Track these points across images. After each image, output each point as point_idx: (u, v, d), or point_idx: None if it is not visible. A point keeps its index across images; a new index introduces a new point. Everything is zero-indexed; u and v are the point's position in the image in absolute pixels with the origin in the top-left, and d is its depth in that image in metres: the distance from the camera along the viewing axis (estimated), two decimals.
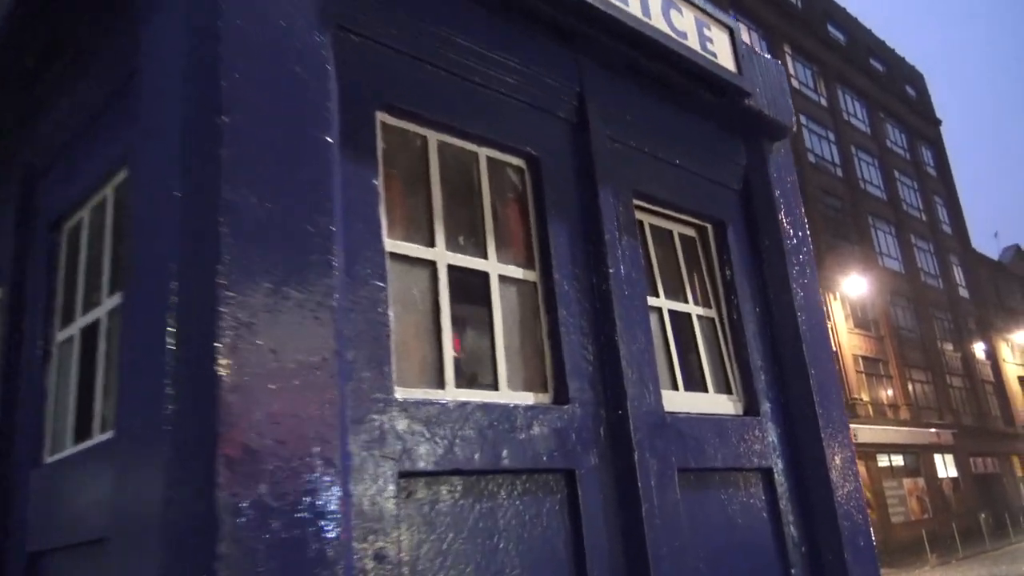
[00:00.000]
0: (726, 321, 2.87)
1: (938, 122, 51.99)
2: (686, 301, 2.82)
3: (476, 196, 2.24)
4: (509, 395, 2.08)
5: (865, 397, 33.14)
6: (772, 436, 2.74)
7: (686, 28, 2.67)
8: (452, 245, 2.12)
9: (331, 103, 1.73)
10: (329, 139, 1.70)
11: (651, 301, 2.58)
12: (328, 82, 1.74)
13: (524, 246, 2.31)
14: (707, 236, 2.97)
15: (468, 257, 2.14)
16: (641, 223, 2.74)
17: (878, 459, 32.01)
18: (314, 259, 1.60)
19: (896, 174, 43.91)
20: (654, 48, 2.54)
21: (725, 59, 2.80)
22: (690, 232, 2.96)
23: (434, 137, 2.15)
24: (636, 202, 2.65)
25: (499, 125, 2.27)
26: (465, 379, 2.05)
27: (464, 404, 1.91)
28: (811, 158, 35.74)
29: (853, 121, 41.82)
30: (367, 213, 1.86)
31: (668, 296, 2.75)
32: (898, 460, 33.94)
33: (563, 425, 2.10)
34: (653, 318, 2.60)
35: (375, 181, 1.90)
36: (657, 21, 2.54)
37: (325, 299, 1.59)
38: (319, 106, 1.71)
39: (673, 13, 2.63)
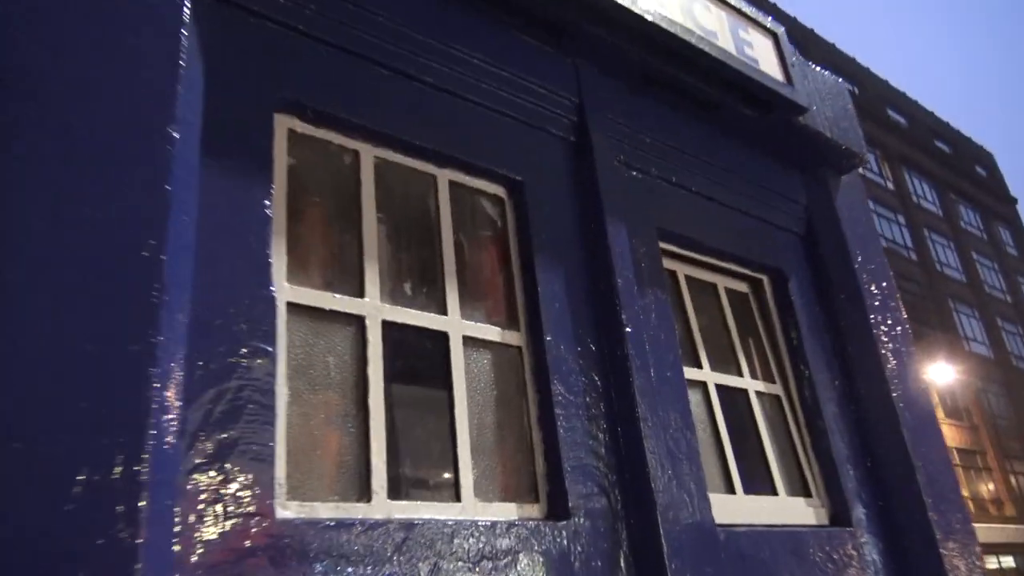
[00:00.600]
0: (796, 399, 2.18)
1: (1014, 200, 49.96)
2: (740, 374, 2.15)
3: (432, 232, 1.66)
4: (478, 508, 1.44)
5: (965, 493, 30.57)
6: (872, 554, 2.00)
7: (715, 27, 2.11)
8: (394, 296, 1.54)
9: (181, 87, 1.20)
10: (173, 133, 1.16)
11: (690, 373, 1.93)
12: (178, 57, 1.21)
13: (505, 299, 1.70)
14: (763, 290, 2.31)
15: (416, 312, 1.54)
16: (674, 274, 2.12)
17: (986, 561, 29.21)
18: (133, 299, 1.04)
19: (974, 255, 41.99)
20: (672, 48, 1.98)
21: (769, 67, 2.22)
22: (741, 286, 2.31)
23: (370, 152, 1.60)
24: (664, 246, 2.03)
25: (467, 141, 1.71)
26: (406, 487, 1.41)
27: (403, 524, 1.28)
28: (882, 242, 34.43)
29: (923, 203, 40.46)
30: (249, 246, 1.30)
31: (715, 367, 2.09)
32: (1008, 562, 30.94)
33: (562, 550, 1.44)
34: (695, 396, 1.95)
35: (267, 202, 1.34)
36: (675, 15, 1.98)
37: (145, 362, 1.01)
38: (161, 89, 1.18)
39: (698, 8, 2.08)
